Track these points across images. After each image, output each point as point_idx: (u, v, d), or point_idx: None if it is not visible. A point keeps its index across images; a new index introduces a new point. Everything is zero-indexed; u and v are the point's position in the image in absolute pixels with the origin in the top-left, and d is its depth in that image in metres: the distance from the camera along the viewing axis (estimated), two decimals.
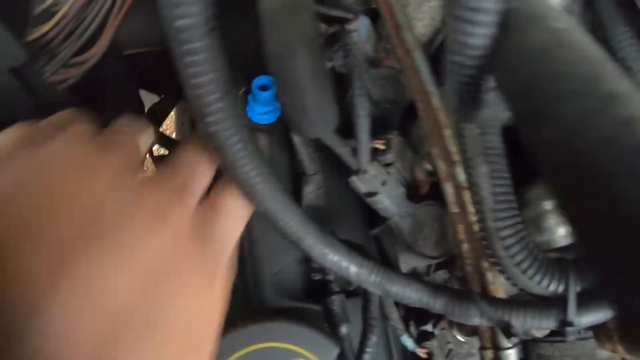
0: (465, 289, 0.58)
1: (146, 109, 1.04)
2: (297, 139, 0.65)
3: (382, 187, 0.61)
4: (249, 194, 0.45)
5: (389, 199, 0.61)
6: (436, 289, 0.55)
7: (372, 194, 0.61)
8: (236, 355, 0.54)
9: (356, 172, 0.60)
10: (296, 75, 0.48)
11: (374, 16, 0.78)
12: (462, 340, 0.67)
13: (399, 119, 0.73)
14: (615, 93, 0.24)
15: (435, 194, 0.69)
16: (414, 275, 0.61)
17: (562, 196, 0.28)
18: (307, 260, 0.70)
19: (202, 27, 0.34)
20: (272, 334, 0.56)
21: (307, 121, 0.52)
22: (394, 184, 0.62)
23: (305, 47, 0.49)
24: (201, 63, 0.36)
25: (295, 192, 0.72)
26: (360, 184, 0.61)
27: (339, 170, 0.68)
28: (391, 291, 0.55)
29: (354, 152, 0.59)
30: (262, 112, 0.74)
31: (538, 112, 0.28)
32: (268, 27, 0.50)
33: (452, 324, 0.67)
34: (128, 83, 0.86)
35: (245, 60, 0.80)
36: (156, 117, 0.99)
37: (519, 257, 0.53)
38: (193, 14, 0.33)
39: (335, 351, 0.58)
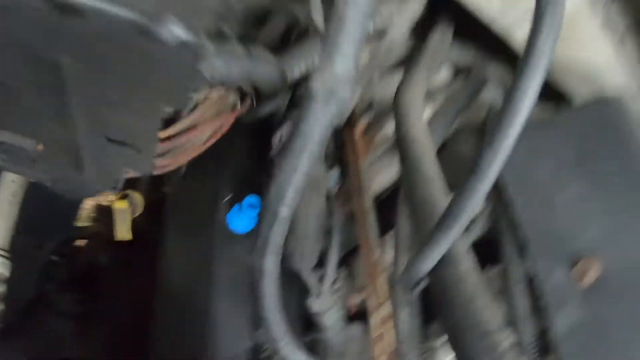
0: None
1: None
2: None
3: (329, 310, 0.85)
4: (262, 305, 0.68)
5: (332, 319, 0.86)
6: None
7: (321, 314, 0.85)
8: None
9: (315, 296, 0.84)
10: (307, 231, 0.73)
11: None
12: None
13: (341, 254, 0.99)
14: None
15: (360, 316, 0.95)
16: None
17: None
18: (255, 350, 0.90)
19: None
20: None
21: (299, 260, 0.76)
22: (338, 308, 0.87)
23: (316, 214, 0.74)
24: None
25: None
26: (315, 305, 0.85)
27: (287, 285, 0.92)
28: None
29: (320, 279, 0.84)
30: (244, 223, 0.96)
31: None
32: None
33: None
34: None
35: (238, 177, 1.02)
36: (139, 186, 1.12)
37: None
38: None
39: None
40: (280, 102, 0.78)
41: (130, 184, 1.00)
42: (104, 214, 1.29)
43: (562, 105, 0.93)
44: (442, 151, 1.05)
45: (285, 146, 0.52)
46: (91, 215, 1.25)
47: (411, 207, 0.72)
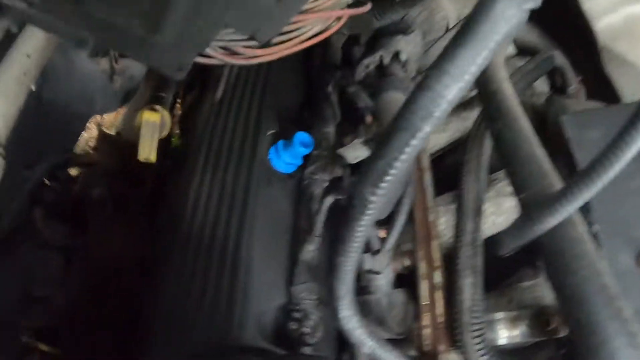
0: None
1: None
2: (326, 204, 0.78)
3: (385, 268, 0.76)
4: (341, 249, 0.58)
5: (385, 280, 0.77)
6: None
7: (375, 273, 0.76)
8: None
9: (373, 252, 0.75)
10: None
11: None
12: None
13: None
14: None
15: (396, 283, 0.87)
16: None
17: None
18: (287, 309, 0.80)
19: None
20: None
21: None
22: (390, 269, 0.78)
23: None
24: None
25: (292, 244, 0.83)
26: (371, 262, 0.76)
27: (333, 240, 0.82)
28: (377, 353, 0.69)
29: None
30: (288, 162, 0.86)
31: None
32: None
33: None
34: None
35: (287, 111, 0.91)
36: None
37: (479, 347, 0.72)
38: None
39: None
40: (398, 16, 0.68)
41: (157, 101, 0.87)
42: (106, 142, 1.14)
43: None
44: None
45: (452, 47, 0.42)
46: (91, 143, 1.10)
47: (513, 164, 0.65)
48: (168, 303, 0.82)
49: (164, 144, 1.09)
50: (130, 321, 0.92)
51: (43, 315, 1.00)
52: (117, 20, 0.49)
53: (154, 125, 0.77)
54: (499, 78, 0.77)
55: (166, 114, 0.81)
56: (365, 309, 0.82)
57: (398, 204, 0.74)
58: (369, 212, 0.54)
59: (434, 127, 0.45)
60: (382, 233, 0.81)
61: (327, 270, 0.86)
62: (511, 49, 1.06)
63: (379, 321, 0.81)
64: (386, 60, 0.71)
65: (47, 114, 0.88)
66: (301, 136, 0.82)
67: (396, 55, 0.71)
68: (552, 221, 0.55)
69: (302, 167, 0.87)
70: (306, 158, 0.87)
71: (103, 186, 1.03)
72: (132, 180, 1.11)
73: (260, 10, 0.46)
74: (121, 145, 1.08)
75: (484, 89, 0.77)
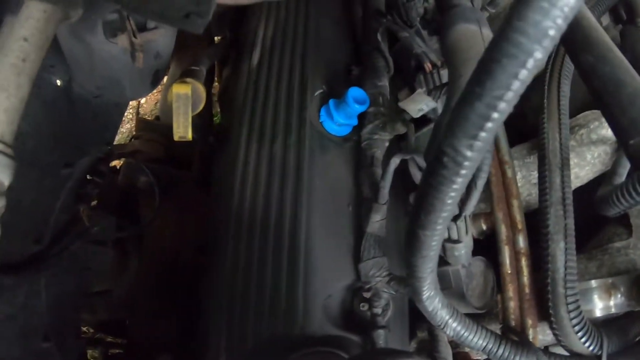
0: (528, 342, 0.66)
1: None
2: (392, 167, 0.68)
3: (466, 236, 0.66)
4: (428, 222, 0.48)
5: (465, 249, 0.68)
6: (501, 338, 0.62)
7: (456, 242, 0.66)
8: None
9: (454, 217, 0.65)
10: None
11: None
12: None
13: None
14: None
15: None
16: (487, 329, 0.66)
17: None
18: (355, 289, 0.72)
19: None
20: None
21: None
22: (470, 237, 0.68)
23: None
24: None
25: (356, 216, 0.74)
26: (454, 230, 0.66)
27: (393, 210, 0.73)
28: (463, 335, 0.60)
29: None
30: (341, 123, 0.76)
31: None
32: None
33: None
34: None
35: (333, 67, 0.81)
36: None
37: (575, 320, 0.63)
38: None
39: None
40: None
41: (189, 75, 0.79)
42: (146, 130, 1.10)
43: None
44: None
45: None
46: (129, 136, 1.06)
47: (614, 102, 0.53)
48: (227, 291, 0.76)
49: (207, 123, 1.04)
50: (191, 308, 0.88)
51: (105, 308, 0.98)
52: None
53: (185, 98, 0.70)
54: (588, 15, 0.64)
55: (199, 86, 0.73)
56: (443, 283, 0.73)
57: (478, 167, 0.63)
58: (465, 172, 0.43)
59: (548, 51, 0.34)
60: None
61: (398, 241, 0.77)
62: None
63: (457, 295, 0.72)
64: None
65: (79, 109, 0.83)
66: (354, 92, 0.72)
67: None
68: None
69: (358, 128, 0.78)
70: (361, 117, 0.77)
71: (147, 174, 0.99)
72: (177, 164, 1.06)
73: None
74: (161, 130, 1.03)
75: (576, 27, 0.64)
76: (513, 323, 0.69)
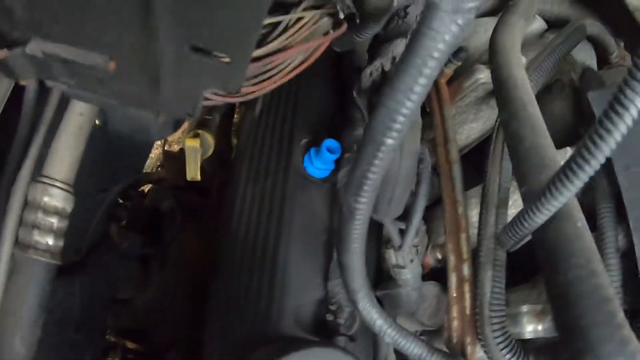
0: (454, 355, 0.77)
1: None
2: None
3: (410, 263, 0.79)
4: (343, 249, 0.63)
5: (411, 274, 0.80)
6: (434, 350, 0.74)
7: (400, 267, 0.80)
8: None
9: (396, 247, 0.79)
10: (398, 174, 0.67)
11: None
12: None
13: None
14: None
15: (433, 276, 0.89)
16: (422, 339, 0.78)
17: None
18: (323, 302, 0.86)
19: None
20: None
21: (386, 208, 0.70)
22: (417, 263, 0.81)
23: (412, 156, 0.68)
24: None
25: (328, 243, 0.89)
26: (394, 257, 0.79)
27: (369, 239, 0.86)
28: (400, 343, 0.73)
29: (401, 232, 0.78)
30: (320, 167, 0.91)
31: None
32: None
33: None
34: None
35: (314, 120, 0.97)
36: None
37: (499, 339, 0.73)
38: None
39: None
40: (375, 30, 0.71)
41: (201, 125, 0.97)
42: (170, 160, 1.28)
43: None
44: None
45: (400, 64, 0.45)
46: (158, 162, 1.24)
47: (516, 155, 0.65)
48: (224, 299, 0.92)
49: (225, 155, 1.21)
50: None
51: (128, 315, 1.16)
52: (130, 89, 0.59)
53: (195, 150, 0.88)
54: (511, 64, 0.76)
55: (208, 137, 0.91)
56: (396, 302, 0.86)
57: (414, 201, 0.77)
58: (358, 217, 0.59)
59: (398, 139, 0.49)
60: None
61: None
62: (542, 24, 1.01)
63: (410, 314, 0.84)
64: (387, 66, 0.74)
65: (114, 144, 1.02)
66: (328, 142, 0.88)
67: (394, 60, 0.73)
68: (540, 217, 0.55)
69: (336, 171, 0.93)
70: (338, 162, 0.92)
71: (171, 199, 1.17)
72: (197, 191, 1.23)
73: (218, 71, 0.52)
74: (184, 161, 1.21)
75: (495, 77, 0.76)
76: (455, 340, 0.80)
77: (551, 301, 0.56)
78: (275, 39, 0.58)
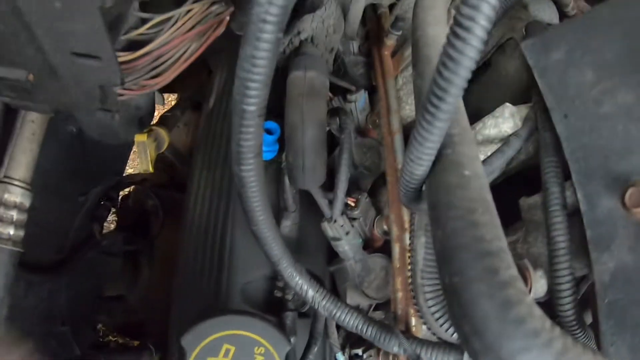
0: (391, 325, 0.75)
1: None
2: (287, 182, 0.83)
3: (345, 235, 0.79)
4: (250, 219, 0.63)
5: (348, 246, 0.80)
6: (369, 320, 0.72)
7: (336, 239, 0.79)
8: (210, 338, 0.70)
9: (328, 220, 0.78)
10: (303, 143, 0.67)
11: (372, 91, 0.98)
12: None
13: (370, 183, 0.92)
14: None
15: (386, 249, 0.88)
16: (358, 310, 0.77)
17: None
18: (273, 278, 0.87)
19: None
20: (241, 324, 0.72)
21: (301, 177, 0.70)
22: (354, 235, 0.80)
23: (315, 125, 0.68)
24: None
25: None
26: (329, 229, 0.79)
27: (313, 214, 0.86)
28: (335, 315, 0.72)
29: (330, 203, 0.78)
30: (265, 150, 0.92)
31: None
32: (291, 104, 0.70)
33: (378, 352, 0.84)
34: None
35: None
36: (167, 124, 1.13)
37: (434, 309, 0.71)
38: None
39: (287, 348, 0.73)
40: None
41: (161, 121, 1.01)
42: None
43: None
44: (484, 68, 0.94)
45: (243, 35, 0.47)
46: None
47: (417, 110, 0.63)
48: (182, 280, 0.96)
49: None
50: None
51: (121, 312, 1.21)
52: (52, 95, 0.68)
53: (143, 144, 0.92)
54: (426, 23, 0.72)
55: (162, 132, 0.95)
56: (342, 276, 0.85)
57: (337, 170, 0.76)
58: (250, 184, 0.59)
59: (258, 105, 0.51)
60: (350, 200, 0.83)
61: (314, 242, 0.91)
62: None
63: (354, 286, 0.83)
64: (295, 42, 0.74)
65: (90, 149, 1.08)
66: (266, 124, 0.88)
67: (298, 34, 0.73)
68: (418, 164, 0.53)
69: (281, 151, 0.94)
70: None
71: (153, 198, 1.22)
72: (180, 188, 1.27)
73: (100, 70, 0.60)
74: (165, 161, 1.26)
75: (412, 38, 0.74)
76: (400, 312, 0.79)
77: (436, 259, 0.51)
78: (165, 32, 0.60)
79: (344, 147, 0.77)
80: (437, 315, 0.71)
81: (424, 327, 0.80)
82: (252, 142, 0.56)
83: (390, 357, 0.82)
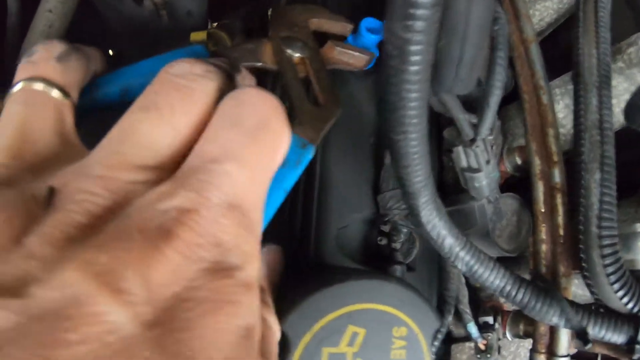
0: (551, 287, 0.58)
1: None
2: None
3: (485, 165, 0.59)
4: (397, 119, 0.42)
5: (486, 180, 0.60)
6: (521, 280, 0.55)
7: (473, 170, 0.59)
8: (327, 318, 0.48)
9: (467, 143, 0.58)
10: (467, 23, 0.45)
11: None
12: (510, 339, 0.68)
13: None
14: None
15: (509, 188, 0.70)
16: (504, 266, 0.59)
17: None
18: (374, 222, 0.68)
19: None
20: (374, 293, 0.51)
21: (451, 73, 0.49)
22: (493, 166, 0.60)
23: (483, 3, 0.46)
24: None
25: (377, 146, 0.70)
26: (464, 156, 0.58)
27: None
28: (477, 272, 0.54)
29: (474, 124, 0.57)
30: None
31: None
32: None
33: (504, 321, 0.68)
34: None
35: None
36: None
37: (610, 268, 0.53)
38: None
39: (436, 327, 0.55)
40: None
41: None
42: None
43: None
44: None
45: None
46: None
47: None
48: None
49: None
50: None
51: None
52: None
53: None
54: None
55: (223, 36, 0.73)
56: (467, 220, 0.66)
57: (489, 76, 0.55)
58: (413, 57, 0.37)
59: None
60: None
61: None
62: None
63: (482, 234, 0.65)
64: None
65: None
66: (367, 22, 0.66)
67: None
68: None
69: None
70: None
71: None
72: None
73: None
74: None
75: None
76: (544, 270, 0.61)
77: None
78: None
79: (499, 42, 0.55)
80: (612, 278, 0.54)
81: (579, 291, 0.64)
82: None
83: (521, 326, 0.66)
